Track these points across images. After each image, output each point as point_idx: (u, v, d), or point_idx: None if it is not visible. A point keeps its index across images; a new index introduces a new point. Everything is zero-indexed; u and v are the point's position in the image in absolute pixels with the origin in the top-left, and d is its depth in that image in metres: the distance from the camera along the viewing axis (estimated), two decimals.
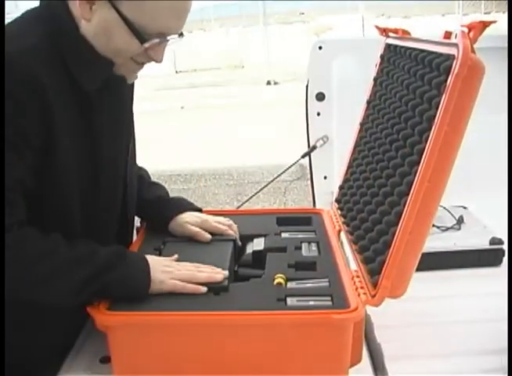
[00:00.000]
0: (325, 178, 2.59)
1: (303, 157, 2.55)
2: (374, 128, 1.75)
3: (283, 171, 2.71)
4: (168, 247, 1.63)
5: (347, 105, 2.50)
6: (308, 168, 2.71)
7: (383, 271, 1.31)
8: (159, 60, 1.45)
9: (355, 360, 1.39)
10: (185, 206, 1.79)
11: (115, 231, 1.61)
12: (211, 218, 1.74)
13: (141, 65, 1.46)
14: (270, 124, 9.15)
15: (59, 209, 1.44)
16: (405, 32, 1.72)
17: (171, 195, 1.82)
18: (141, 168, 1.84)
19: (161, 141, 8.18)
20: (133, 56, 1.41)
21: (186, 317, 1.30)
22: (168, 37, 1.41)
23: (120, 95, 1.53)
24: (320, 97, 2.50)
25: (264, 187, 2.76)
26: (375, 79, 1.87)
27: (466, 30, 1.25)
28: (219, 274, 1.43)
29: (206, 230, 1.69)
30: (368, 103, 1.90)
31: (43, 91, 1.30)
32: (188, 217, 1.73)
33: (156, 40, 1.38)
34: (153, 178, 1.92)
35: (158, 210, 1.77)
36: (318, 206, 2.57)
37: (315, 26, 22.64)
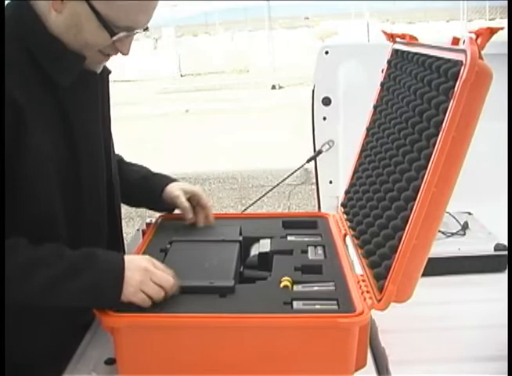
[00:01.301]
0: (330, 182, 2.59)
1: (308, 161, 2.55)
2: (381, 133, 1.76)
3: (289, 175, 2.71)
4: (174, 248, 1.64)
5: (353, 110, 2.50)
6: (313, 172, 2.71)
7: (389, 276, 1.32)
8: (125, 52, 1.49)
9: (360, 364, 1.39)
10: (170, 179, 1.87)
11: (105, 232, 1.61)
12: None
13: (107, 57, 1.51)
14: (275, 128, 9.15)
15: (41, 213, 1.44)
16: (413, 37, 1.73)
17: None
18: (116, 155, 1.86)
19: (165, 144, 8.21)
20: (101, 48, 1.45)
21: (192, 320, 1.31)
22: (135, 31, 1.46)
23: (94, 90, 1.55)
24: (326, 102, 2.50)
25: (269, 191, 2.76)
26: (382, 84, 1.88)
27: (473, 36, 1.26)
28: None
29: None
30: (375, 108, 1.91)
31: (9, 93, 1.33)
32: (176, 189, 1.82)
33: (125, 33, 1.43)
34: None
35: (146, 188, 1.84)
36: (323, 210, 2.57)
37: (320, 31, 22.64)
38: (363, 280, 1.43)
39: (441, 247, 2.01)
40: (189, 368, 1.33)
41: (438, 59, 1.43)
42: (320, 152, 2.52)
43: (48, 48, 1.43)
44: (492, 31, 1.24)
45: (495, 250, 1.99)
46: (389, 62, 1.81)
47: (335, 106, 2.51)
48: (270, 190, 2.76)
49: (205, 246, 1.65)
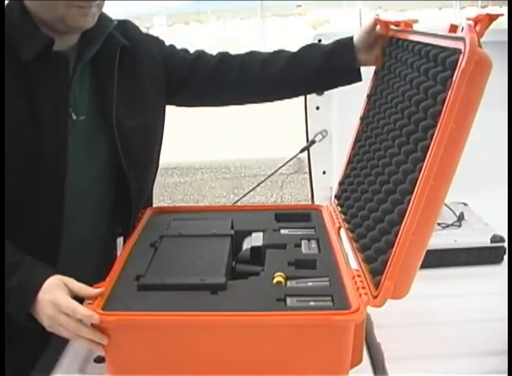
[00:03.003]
0: (324, 173, 2.56)
1: (302, 151, 2.52)
2: (375, 123, 1.72)
3: (282, 166, 2.68)
4: (165, 243, 1.61)
5: (347, 99, 2.47)
6: (306, 161, 2.68)
7: (385, 271, 1.28)
8: None
9: (356, 361, 1.36)
10: None
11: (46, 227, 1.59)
12: None
13: (83, 9, 1.46)
14: (267, 117, 9.12)
15: None
16: (408, 25, 1.69)
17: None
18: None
19: None
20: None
21: (182, 318, 1.27)
22: None
23: (64, 73, 1.52)
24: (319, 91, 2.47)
25: (263, 181, 2.73)
26: (376, 73, 1.84)
27: (472, 23, 1.22)
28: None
29: None
30: (369, 97, 1.87)
31: None
32: None
33: None
34: None
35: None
36: (316, 201, 2.54)
37: (312, 19, 22.59)
38: (358, 276, 1.39)
39: (437, 239, 1.97)
40: (179, 367, 1.30)
41: (435, 47, 1.39)
42: (313, 142, 2.49)
43: (18, 26, 1.45)
44: (492, 18, 1.20)
45: (492, 241, 1.97)
46: (383, 50, 1.76)
47: (328, 96, 2.47)
48: (264, 180, 2.73)
49: (196, 241, 1.62)
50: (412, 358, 1.47)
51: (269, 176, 2.72)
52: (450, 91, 1.20)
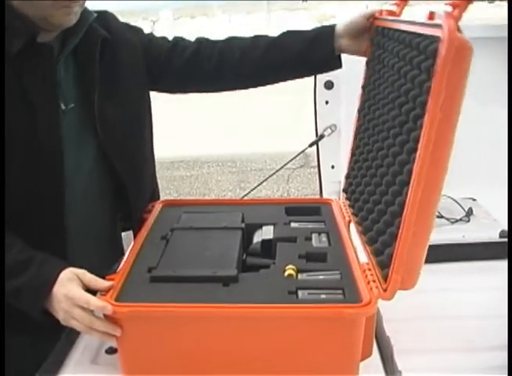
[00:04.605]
0: (332, 167, 2.56)
1: (310, 145, 2.51)
2: (371, 114, 1.70)
3: (291, 160, 2.68)
4: (176, 235, 1.61)
5: (356, 94, 2.47)
6: (312, 155, 2.68)
7: (392, 264, 1.28)
8: None
9: (366, 354, 1.37)
10: None
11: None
12: None
13: (68, 8, 1.48)
14: (273, 111, 9.11)
15: None
16: (391, 13, 1.66)
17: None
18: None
19: (163, 127, 8.15)
20: None
21: (194, 309, 1.27)
22: None
23: (50, 64, 1.54)
24: (329, 85, 2.46)
25: (272, 175, 2.72)
26: (367, 63, 1.82)
27: (450, 8, 1.18)
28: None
29: None
30: (363, 88, 1.86)
31: None
32: None
33: None
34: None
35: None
36: (325, 195, 2.54)
37: (318, 14, 22.50)
38: (369, 269, 1.40)
39: (446, 234, 2.00)
40: (191, 358, 1.31)
41: (416, 35, 1.36)
42: (322, 136, 2.49)
43: (5, 19, 1.46)
44: (469, 1, 1.17)
45: (501, 236, 1.97)
46: (372, 40, 1.74)
47: (337, 90, 2.47)
48: (273, 174, 2.72)
49: (207, 233, 1.62)
50: (421, 351, 1.48)
51: (277, 171, 2.72)
52: (433, 79, 1.17)
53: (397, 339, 1.47)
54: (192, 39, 1.86)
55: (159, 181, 1.98)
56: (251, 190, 2.62)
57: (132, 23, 1.64)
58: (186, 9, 26.75)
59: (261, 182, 2.67)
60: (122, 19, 1.77)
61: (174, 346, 1.30)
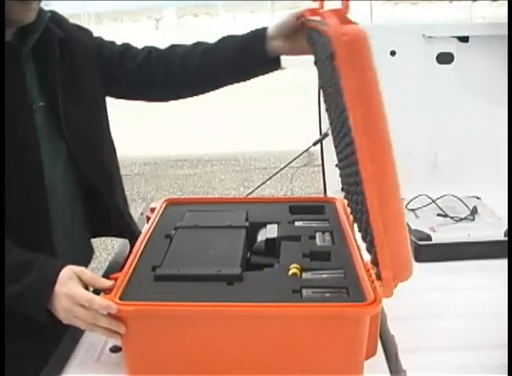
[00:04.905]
0: (336, 166, 2.56)
1: (314, 144, 2.51)
2: (331, 112, 1.66)
3: (294, 159, 2.67)
4: (180, 234, 1.61)
5: None
6: (316, 154, 2.68)
7: (379, 263, 1.26)
8: None
9: (370, 353, 1.37)
10: None
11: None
12: None
13: (28, 4, 1.49)
14: (276, 110, 9.10)
15: None
16: (314, 11, 1.60)
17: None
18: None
19: (166, 125, 8.17)
20: None
21: (199, 308, 1.27)
22: None
23: (15, 62, 1.54)
24: None
25: (276, 173, 2.72)
26: (315, 63, 1.79)
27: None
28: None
29: None
30: (319, 88, 1.83)
31: None
32: None
33: None
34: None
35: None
36: (329, 194, 2.54)
37: None
38: (373, 268, 1.39)
39: (450, 233, 2.00)
40: (195, 357, 1.31)
41: (320, 35, 1.34)
42: (326, 135, 2.48)
43: None
44: None
45: (505, 235, 1.97)
46: (308, 40, 1.72)
47: None
48: (276, 173, 2.71)
49: (211, 232, 1.62)
50: (425, 350, 1.48)
51: (281, 169, 2.71)
52: (341, 79, 1.11)
53: (401, 338, 1.47)
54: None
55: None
56: (255, 189, 2.61)
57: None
58: (190, 8, 26.77)
59: (265, 181, 2.66)
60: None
61: (178, 345, 1.30)
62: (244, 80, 1.89)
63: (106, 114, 1.83)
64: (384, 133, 1.09)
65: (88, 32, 1.82)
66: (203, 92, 1.90)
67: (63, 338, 1.51)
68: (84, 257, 1.82)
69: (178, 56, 1.83)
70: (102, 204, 1.78)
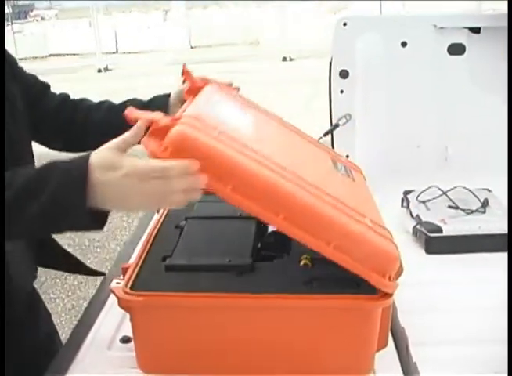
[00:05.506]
0: (347, 156, 2.55)
1: (325, 135, 2.50)
2: None
3: None
4: (190, 224, 1.61)
5: (371, 83, 2.46)
6: (327, 145, 2.67)
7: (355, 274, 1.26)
8: None
9: (381, 345, 1.36)
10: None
11: None
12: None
13: None
14: (287, 100, 9.08)
15: None
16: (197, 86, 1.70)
17: None
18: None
19: None
20: None
21: (210, 299, 1.27)
22: None
23: None
24: (344, 74, 2.44)
25: None
26: None
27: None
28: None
29: None
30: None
31: None
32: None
33: None
34: None
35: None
36: None
37: (330, 4, 22.41)
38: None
39: (461, 225, 1.98)
40: (205, 348, 1.31)
41: None
42: (337, 126, 2.47)
43: None
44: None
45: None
46: None
47: (353, 80, 2.45)
48: None
49: (221, 223, 1.62)
50: (435, 343, 1.47)
51: None
52: None
53: (411, 331, 1.47)
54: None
55: None
56: None
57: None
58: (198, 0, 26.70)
59: None
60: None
61: (188, 335, 1.30)
62: None
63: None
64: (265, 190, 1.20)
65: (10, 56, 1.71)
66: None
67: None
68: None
69: (85, 108, 1.85)
70: None
